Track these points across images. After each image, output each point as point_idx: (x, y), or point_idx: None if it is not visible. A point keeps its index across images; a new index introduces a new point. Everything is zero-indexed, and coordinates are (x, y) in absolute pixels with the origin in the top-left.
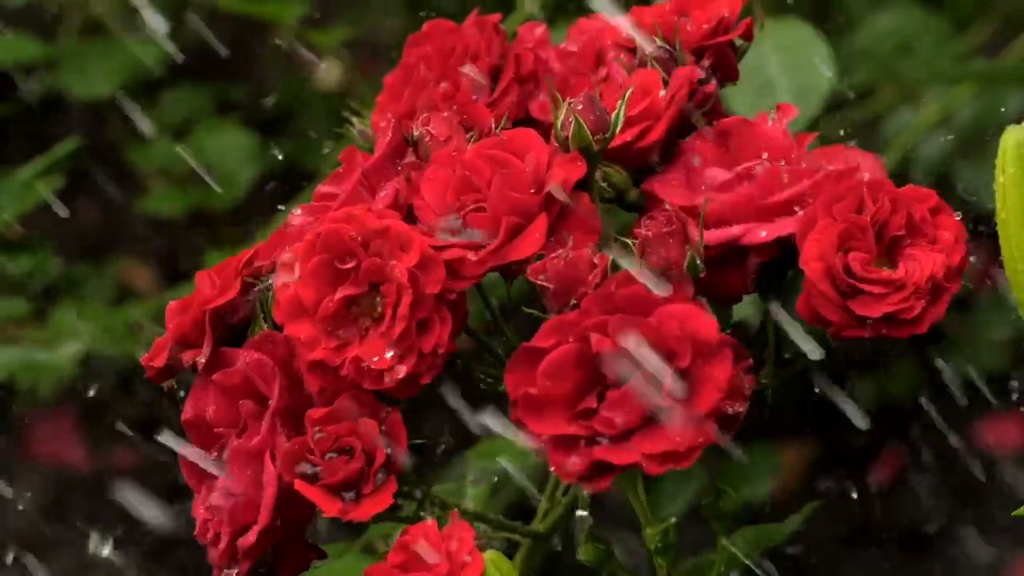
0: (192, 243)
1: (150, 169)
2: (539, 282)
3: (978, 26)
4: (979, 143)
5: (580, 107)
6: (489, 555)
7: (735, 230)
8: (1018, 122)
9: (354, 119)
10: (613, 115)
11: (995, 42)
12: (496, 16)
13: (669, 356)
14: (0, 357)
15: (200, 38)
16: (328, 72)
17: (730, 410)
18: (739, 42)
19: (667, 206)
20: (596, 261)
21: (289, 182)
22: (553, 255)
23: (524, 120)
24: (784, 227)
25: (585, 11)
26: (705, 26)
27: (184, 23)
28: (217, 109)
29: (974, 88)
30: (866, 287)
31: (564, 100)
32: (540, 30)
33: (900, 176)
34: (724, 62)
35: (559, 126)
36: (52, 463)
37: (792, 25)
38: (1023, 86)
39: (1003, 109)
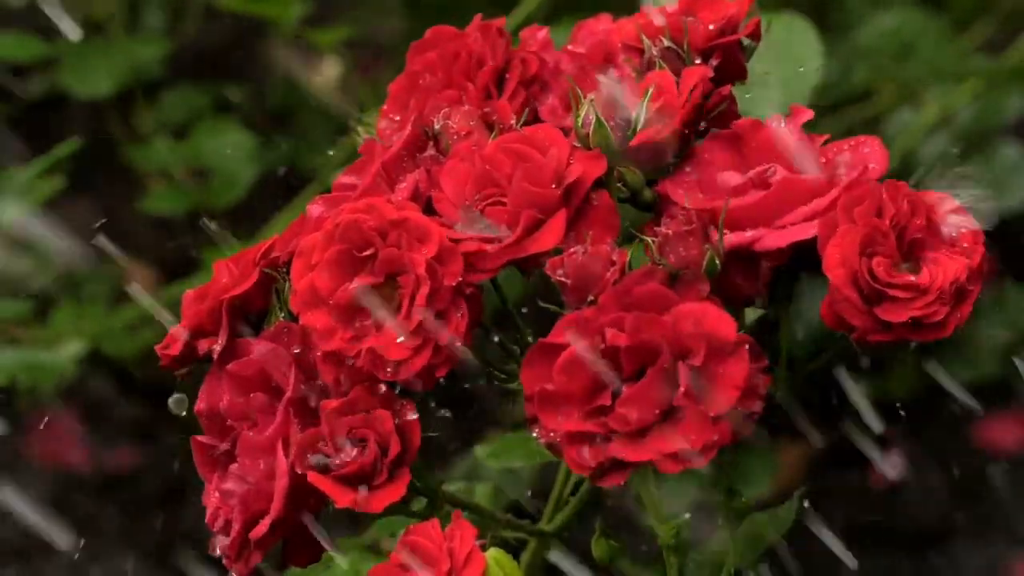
0: (192, 243)
1: (150, 169)
2: (557, 277)
3: (979, 26)
4: (979, 144)
5: (601, 105)
6: (492, 553)
7: (748, 235)
8: (1018, 124)
9: (359, 128)
10: (634, 114)
11: (996, 42)
12: (500, 20)
13: (684, 354)
14: (1, 358)
15: (200, 38)
16: (327, 72)
17: (745, 409)
18: (747, 42)
19: (687, 203)
20: (614, 258)
21: (289, 182)
22: (572, 251)
23: (529, 123)
24: (801, 232)
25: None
26: (712, 26)
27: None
28: (217, 109)
29: (974, 89)
30: (891, 292)
31: (584, 98)
32: (542, 33)
33: (900, 178)
34: (732, 62)
35: (579, 124)
36: (53, 463)
37: (786, 20)
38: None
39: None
